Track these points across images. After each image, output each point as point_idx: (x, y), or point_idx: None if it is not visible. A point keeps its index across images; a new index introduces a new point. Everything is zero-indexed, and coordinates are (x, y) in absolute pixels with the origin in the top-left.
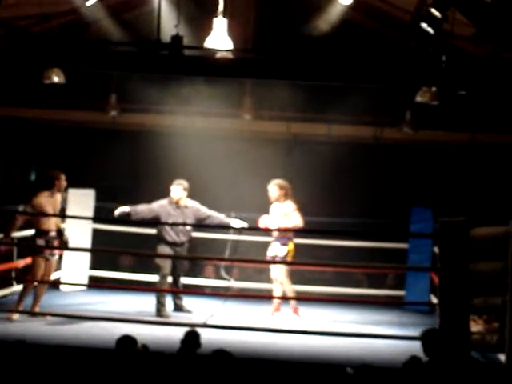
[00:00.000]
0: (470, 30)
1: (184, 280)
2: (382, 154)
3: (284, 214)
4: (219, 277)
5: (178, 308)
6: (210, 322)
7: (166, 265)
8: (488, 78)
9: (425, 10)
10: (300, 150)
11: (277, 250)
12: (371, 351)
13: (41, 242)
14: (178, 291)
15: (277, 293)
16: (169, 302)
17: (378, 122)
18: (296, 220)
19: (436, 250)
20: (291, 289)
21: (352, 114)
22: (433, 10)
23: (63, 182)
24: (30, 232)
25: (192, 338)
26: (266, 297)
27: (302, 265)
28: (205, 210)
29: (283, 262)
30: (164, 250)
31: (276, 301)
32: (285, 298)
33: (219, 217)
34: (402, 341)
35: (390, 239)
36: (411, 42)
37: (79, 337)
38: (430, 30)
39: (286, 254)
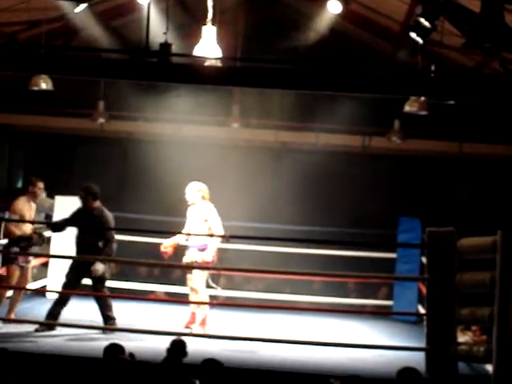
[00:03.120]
0: (460, 40)
1: (172, 288)
2: (370, 163)
3: (204, 219)
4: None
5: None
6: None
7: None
8: (477, 88)
9: (414, 19)
10: (288, 158)
11: (194, 255)
12: (359, 361)
13: (15, 249)
14: (165, 299)
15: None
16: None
17: (366, 131)
18: (216, 226)
19: (424, 259)
20: (207, 296)
21: (340, 123)
22: (422, 20)
23: (39, 190)
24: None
25: (178, 346)
26: (253, 306)
27: (290, 274)
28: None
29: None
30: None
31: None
32: (273, 307)
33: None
34: (389, 351)
35: (377, 249)
36: (400, 51)
37: (64, 345)
38: (419, 39)
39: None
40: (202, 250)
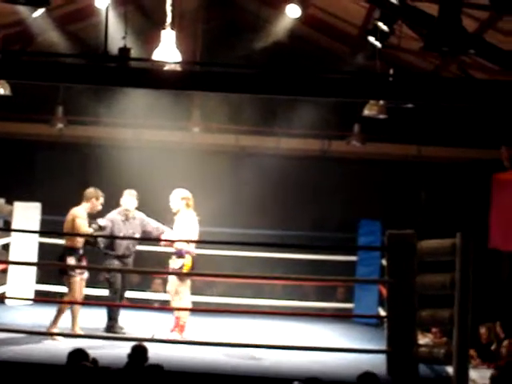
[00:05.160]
0: (418, 44)
1: (132, 294)
2: (330, 167)
3: (181, 227)
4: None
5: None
6: (157, 337)
7: (117, 280)
8: (435, 91)
9: (372, 23)
10: (248, 162)
11: (173, 262)
12: (320, 364)
13: (71, 260)
14: (125, 305)
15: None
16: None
17: (326, 135)
18: (186, 233)
19: (384, 262)
20: (182, 304)
21: (300, 127)
22: (380, 24)
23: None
24: None
25: (139, 352)
26: (214, 310)
27: (251, 278)
28: (149, 221)
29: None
30: (113, 264)
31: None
32: (235, 312)
33: (165, 229)
34: (350, 353)
35: (338, 252)
36: (359, 55)
37: (25, 352)
38: (377, 43)
39: (181, 267)
40: (180, 257)
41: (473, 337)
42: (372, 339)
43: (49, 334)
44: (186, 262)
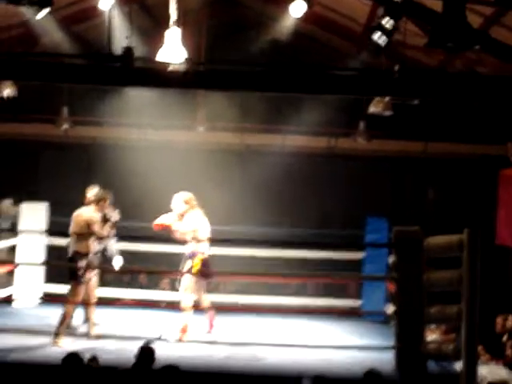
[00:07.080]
0: (422, 40)
1: (140, 294)
2: (336, 164)
3: (191, 227)
4: (175, 289)
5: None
6: (165, 337)
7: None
8: (440, 87)
9: (376, 20)
10: (254, 160)
11: (185, 264)
12: (329, 362)
13: (82, 264)
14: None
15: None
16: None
17: (332, 133)
18: (184, 226)
19: (391, 259)
20: (190, 303)
21: (306, 125)
22: (384, 21)
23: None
24: None
25: (147, 352)
26: (224, 309)
27: (259, 275)
28: None
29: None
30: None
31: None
32: (244, 310)
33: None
34: (359, 351)
35: (345, 249)
36: (363, 52)
37: (33, 353)
38: (381, 40)
39: (191, 268)
40: (191, 257)
41: (486, 329)
42: (380, 336)
43: (55, 335)
44: (195, 263)
